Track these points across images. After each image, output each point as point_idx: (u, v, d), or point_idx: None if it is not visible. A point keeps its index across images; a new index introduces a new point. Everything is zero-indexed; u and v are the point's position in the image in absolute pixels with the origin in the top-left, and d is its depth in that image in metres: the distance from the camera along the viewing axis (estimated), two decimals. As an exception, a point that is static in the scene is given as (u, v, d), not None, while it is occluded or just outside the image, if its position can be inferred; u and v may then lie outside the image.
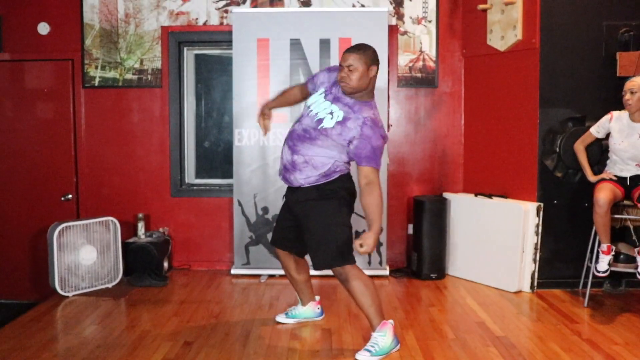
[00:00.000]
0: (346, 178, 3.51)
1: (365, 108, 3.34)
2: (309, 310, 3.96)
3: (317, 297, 4.04)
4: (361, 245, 3.16)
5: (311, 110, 3.45)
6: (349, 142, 3.30)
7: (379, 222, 3.24)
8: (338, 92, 3.40)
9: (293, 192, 3.55)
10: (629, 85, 4.07)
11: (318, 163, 3.40)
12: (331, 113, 3.36)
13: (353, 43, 4.87)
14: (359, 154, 3.28)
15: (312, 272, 4.00)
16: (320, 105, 3.43)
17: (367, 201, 3.27)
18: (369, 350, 3.29)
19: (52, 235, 4.56)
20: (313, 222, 3.45)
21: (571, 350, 3.44)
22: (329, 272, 3.49)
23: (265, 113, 3.64)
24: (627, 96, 4.05)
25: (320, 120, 3.37)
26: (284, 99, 3.78)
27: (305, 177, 3.43)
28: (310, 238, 3.46)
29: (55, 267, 4.55)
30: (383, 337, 3.34)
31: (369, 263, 5.04)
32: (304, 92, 3.71)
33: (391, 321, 3.42)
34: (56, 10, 5.35)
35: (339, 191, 3.46)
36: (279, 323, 3.92)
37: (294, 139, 3.46)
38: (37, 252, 5.38)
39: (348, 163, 3.49)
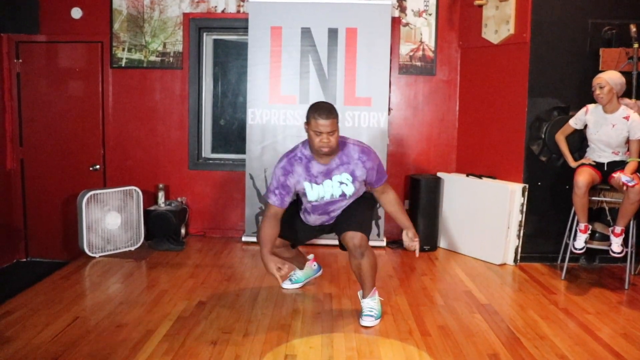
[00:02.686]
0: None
1: (349, 149, 3.24)
2: (307, 271, 4.00)
3: (311, 256, 4.05)
4: (411, 242, 3.33)
5: (322, 197, 3.29)
6: (366, 180, 3.31)
7: (408, 221, 3.37)
8: (318, 168, 3.21)
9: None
10: (596, 81, 4.02)
11: (353, 202, 3.42)
12: (341, 183, 3.25)
13: (359, 33, 4.93)
14: (373, 178, 3.30)
15: (321, 241, 4.00)
16: (325, 189, 3.26)
17: (393, 209, 3.38)
18: (371, 315, 3.31)
19: (81, 201, 4.59)
20: (353, 204, 3.40)
21: (548, 317, 3.47)
22: (335, 242, 3.49)
23: (279, 264, 3.19)
24: (597, 91, 4.01)
25: (343, 194, 3.28)
26: (274, 238, 3.30)
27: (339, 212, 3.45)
28: (352, 212, 3.39)
29: (83, 230, 4.58)
30: (376, 301, 3.38)
31: (368, 234, 5.06)
32: (279, 214, 3.29)
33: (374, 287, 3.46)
34: (88, -4, 5.33)
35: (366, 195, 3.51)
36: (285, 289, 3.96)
37: (320, 210, 3.39)
38: (67, 217, 5.42)
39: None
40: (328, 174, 3.23)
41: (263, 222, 3.29)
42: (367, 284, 3.36)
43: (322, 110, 3.05)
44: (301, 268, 3.98)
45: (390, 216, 3.44)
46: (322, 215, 3.45)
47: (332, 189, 3.26)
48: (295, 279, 3.97)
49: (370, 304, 3.36)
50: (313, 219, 3.49)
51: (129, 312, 3.41)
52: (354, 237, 3.24)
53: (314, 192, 3.27)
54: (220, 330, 3.17)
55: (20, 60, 5.39)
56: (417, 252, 3.33)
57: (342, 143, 3.24)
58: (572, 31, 4.53)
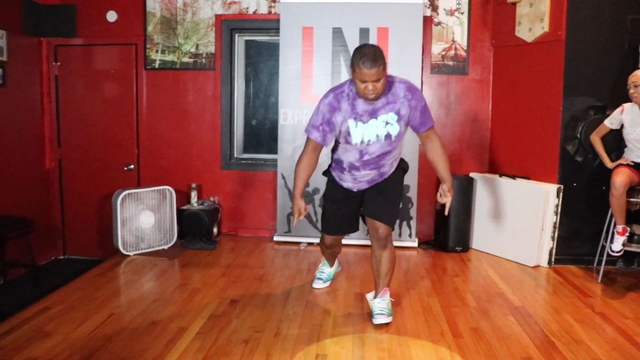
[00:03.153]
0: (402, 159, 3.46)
1: (395, 88, 3.08)
2: (335, 268, 4.06)
3: None
4: (442, 196, 3.16)
5: (370, 140, 3.11)
6: (409, 120, 3.14)
7: (449, 174, 3.21)
8: (364, 107, 3.05)
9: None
10: (632, 79, 3.93)
11: (398, 154, 3.33)
12: (386, 123, 3.08)
13: (390, 33, 4.91)
14: (417, 120, 3.12)
15: (350, 241, 3.98)
16: (370, 130, 3.09)
17: (436, 158, 3.21)
18: (382, 314, 3.29)
19: (116, 201, 4.68)
20: (390, 185, 3.33)
21: (584, 321, 3.40)
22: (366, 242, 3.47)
23: (302, 210, 3.21)
24: (632, 90, 3.92)
25: (388, 135, 3.10)
26: (307, 177, 3.24)
27: (389, 171, 3.34)
28: (385, 196, 3.31)
29: (118, 229, 4.67)
30: (386, 301, 3.36)
31: (400, 235, 5.04)
32: (318, 150, 3.22)
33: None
34: (123, 0, 5.42)
35: (402, 166, 3.44)
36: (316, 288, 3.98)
37: (372, 164, 3.22)
38: (103, 216, 5.53)
39: None
40: (374, 113, 3.07)
41: (302, 156, 3.21)
42: (382, 280, 3.35)
43: (366, 58, 2.84)
44: (332, 265, 4.02)
45: (431, 164, 3.26)
46: (373, 171, 3.27)
47: (376, 129, 3.08)
48: (326, 278, 4.00)
49: (381, 305, 3.33)
50: (361, 175, 3.28)
51: (163, 310, 3.46)
52: (380, 228, 3.25)
53: (358, 132, 3.09)
54: (251, 329, 3.20)
55: (59, 63, 5.52)
56: (446, 210, 3.16)
57: (389, 82, 3.07)
58: (609, 28, 4.43)
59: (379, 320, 3.27)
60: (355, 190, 3.39)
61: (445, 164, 3.22)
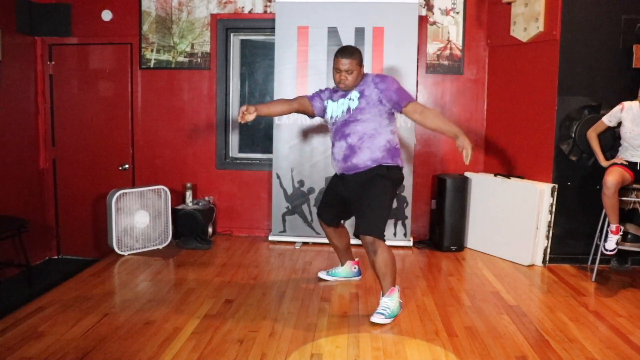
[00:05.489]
0: (399, 169, 3.54)
1: (367, 78, 3.51)
2: (346, 270, 4.10)
3: (356, 258, 4.17)
4: (464, 151, 3.25)
5: (337, 116, 3.53)
6: (380, 102, 3.42)
7: (454, 127, 3.36)
8: (340, 94, 3.55)
9: (351, 177, 3.52)
10: None
11: (371, 132, 3.44)
12: (350, 99, 3.49)
13: (386, 32, 4.93)
14: (393, 100, 3.41)
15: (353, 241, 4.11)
16: (338, 107, 3.54)
17: (433, 123, 3.42)
18: (382, 314, 3.30)
19: (110, 200, 4.66)
20: (368, 192, 3.41)
21: (578, 320, 3.41)
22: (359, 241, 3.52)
23: (250, 112, 3.40)
24: None
25: (347, 109, 3.48)
26: (277, 105, 3.69)
27: (369, 155, 3.44)
28: (362, 204, 3.42)
29: (113, 228, 4.65)
30: (392, 301, 3.36)
31: (395, 234, 5.05)
32: (303, 104, 3.67)
33: (397, 287, 3.44)
34: (118, -1, 5.41)
35: (392, 175, 3.49)
36: (320, 280, 4.07)
37: (339, 134, 3.52)
38: (97, 215, 5.51)
39: (394, 131, 3.55)
40: (344, 95, 3.54)
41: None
42: (383, 281, 3.39)
43: (344, 50, 3.43)
44: (342, 264, 4.10)
45: (435, 131, 3.50)
46: (341, 142, 3.50)
47: (342, 106, 3.51)
48: (332, 273, 4.10)
49: (387, 303, 3.35)
50: (337, 150, 3.54)
51: (157, 310, 3.46)
52: (364, 238, 3.38)
53: (330, 108, 3.59)
54: (246, 329, 3.19)
55: (53, 62, 5.50)
56: (467, 158, 3.23)
57: (365, 76, 3.55)
58: (604, 28, 4.44)
59: (374, 318, 3.28)
60: (339, 173, 3.60)
61: (446, 124, 3.43)
